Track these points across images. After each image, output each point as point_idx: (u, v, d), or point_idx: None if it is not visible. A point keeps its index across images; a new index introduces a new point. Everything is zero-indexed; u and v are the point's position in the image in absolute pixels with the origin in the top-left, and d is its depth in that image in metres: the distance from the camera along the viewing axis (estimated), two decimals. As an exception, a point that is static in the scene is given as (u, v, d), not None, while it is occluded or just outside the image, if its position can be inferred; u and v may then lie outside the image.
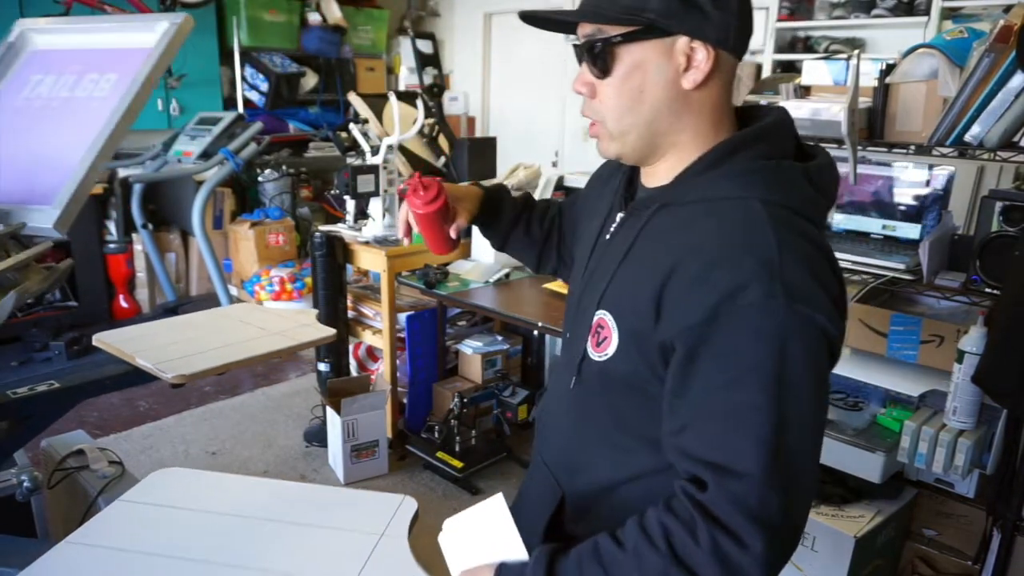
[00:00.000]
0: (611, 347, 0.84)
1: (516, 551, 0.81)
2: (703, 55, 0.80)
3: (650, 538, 0.74)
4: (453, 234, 1.10)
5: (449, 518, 0.84)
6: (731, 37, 0.81)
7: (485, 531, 0.82)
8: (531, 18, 0.87)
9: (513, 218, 1.19)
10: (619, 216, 0.93)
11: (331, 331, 1.59)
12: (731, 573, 0.70)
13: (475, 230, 1.21)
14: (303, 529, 1.03)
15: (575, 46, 0.86)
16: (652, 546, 0.73)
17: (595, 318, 0.87)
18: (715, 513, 0.71)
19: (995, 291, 1.70)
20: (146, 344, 1.45)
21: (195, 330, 1.59)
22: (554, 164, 5.26)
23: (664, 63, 0.80)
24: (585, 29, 0.83)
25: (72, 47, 1.49)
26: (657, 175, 0.88)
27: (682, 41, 0.79)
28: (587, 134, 0.94)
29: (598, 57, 0.82)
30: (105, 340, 1.48)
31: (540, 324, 2.40)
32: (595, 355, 0.87)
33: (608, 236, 0.93)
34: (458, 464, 2.69)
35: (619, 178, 0.98)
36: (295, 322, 1.64)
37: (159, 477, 1.22)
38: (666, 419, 0.79)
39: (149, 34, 1.36)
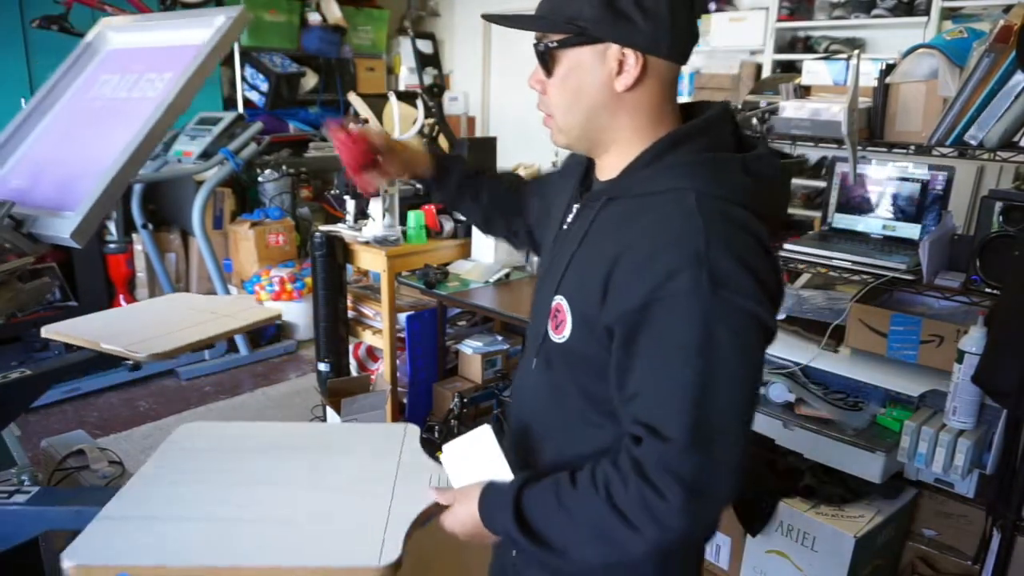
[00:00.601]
0: (567, 330, 0.93)
1: (504, 475, 0.96)
2: (633, 61, 0.87)
3: (595, 483, 0.85)
4: (369, 182, 1.19)
5: (447, 443, 1.01)
6: (663, 45, 0.87)
7: (478, 457, 0.98)
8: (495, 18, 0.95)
9: (459, 183, 1.26)
10: (575, 207, 1.00)
11: (276, 311, 1.66)
12: (654, 520, 0.81)
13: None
14: (334, 454, 1.16)
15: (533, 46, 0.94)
16: (595, 490, 0.85)
17: (553, 302, 0.95)
18: (644, 468, 0.82)
19: (995, 291, 1.70)
20: (104, 332, 1.46)
21: (146, 317, 1.62)
22: (554, 164, 5.26)
23: (598, 67, 0.88)
24: (534, 31, 0.91)
25: (140, 45, 1.45)
26: (607, 169, 0.96)
27: (614, 48, 0.87)
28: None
29: (544, 58, 0.91)
30: (59, 331, 1.49)
31: (540, 324, 2.40)
32: (555, 337, 0.96)
33: (566, 226, 1.01)
34: (458, 464, 2.69)
35: (579, 170, 1.05)
36: (239, 306, 1.71)
37: (185, 429, 1.27)
38: (615, 394, 0.88)
39: (206, 30, 1.32)
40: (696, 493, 0.80)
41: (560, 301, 0.94)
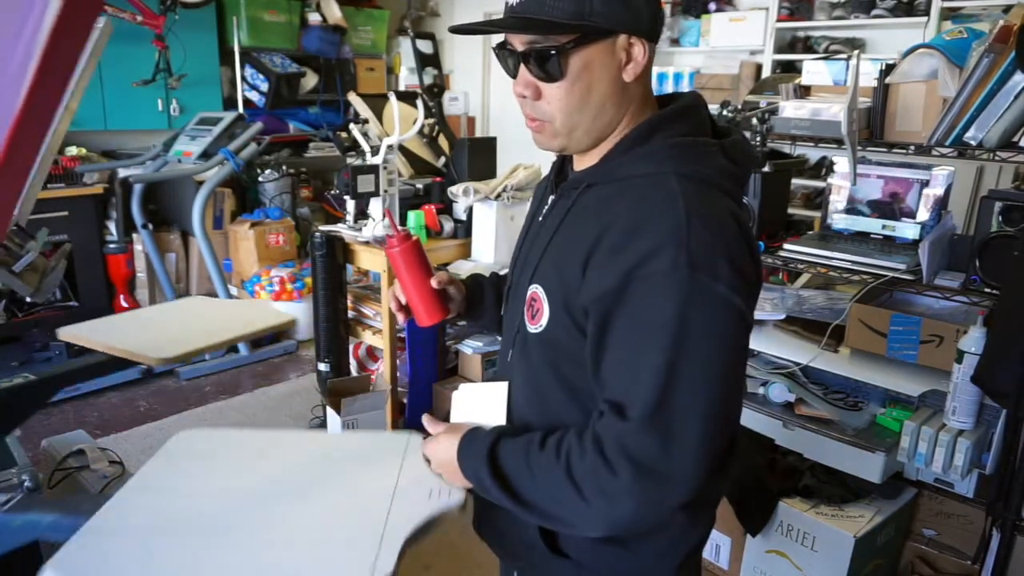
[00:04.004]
0: (544, 319, 0.92)
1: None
2: (639, 49, 0.86)
3: (559, 450, 0.86)
4: (435, 283, 1.09)
5: (464, 384, 1.04)
6: (656, 29, 0.87)
7: (484, 406, 1.01)
8: (467, 28, 0.88)
9: (494, 293, 1.19)
10: (551, 199, 0.99)
11: (289, 316, 1.66)
12: (603, 494, 0.82)
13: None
14: (333, 465, 1.12)
15: (508, 51, 0.88)
16: (557, 458, 0.85)
17: (528, 292, 0.94)
18: (602, 443, 0.82)
19: (995, 291, 1.70)
20: (118, 335, 1.49)
21: (159, 320, 1.64)
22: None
23: (608, 61, 0.86)
24: (526, 35, 0.85)
25: None
26: (588, 158, 0.94)
27: (622, 38, 0.85)
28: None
29: (547, 63, 0.85)
30: (76, 334, 1.52)
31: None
32: (531, 327, 0.94)
33: (541, 218, 1.00)
34: (458, 464, 2.69)
35: (552, 166, 1.05)
36: (253, 311, 1.75)
37: (181, 437, 1.23)
38: (591, 376, 0.88)
39: None
40: (646, 473, 0.80)
41: (536, 290, 0.92)
